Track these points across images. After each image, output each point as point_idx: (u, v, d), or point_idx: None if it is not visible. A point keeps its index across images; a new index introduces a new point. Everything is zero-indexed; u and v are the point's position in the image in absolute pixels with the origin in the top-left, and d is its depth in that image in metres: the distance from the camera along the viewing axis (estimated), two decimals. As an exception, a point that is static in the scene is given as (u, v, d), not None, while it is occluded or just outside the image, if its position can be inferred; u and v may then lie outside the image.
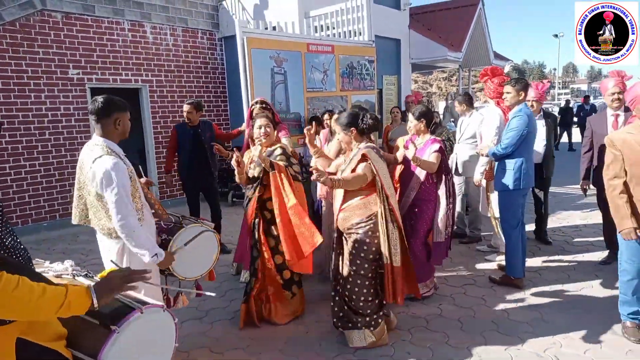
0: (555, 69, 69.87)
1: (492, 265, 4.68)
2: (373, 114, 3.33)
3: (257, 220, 3.60)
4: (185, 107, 5.41)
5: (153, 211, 2.94)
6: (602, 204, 4.42)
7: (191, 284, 3.15)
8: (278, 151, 3.56)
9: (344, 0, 7.45)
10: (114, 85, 7.82)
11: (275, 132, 3.82)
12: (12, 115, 6.68)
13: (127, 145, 9.18)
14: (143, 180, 3.15)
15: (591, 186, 4.64)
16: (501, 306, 3.76)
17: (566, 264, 4.65)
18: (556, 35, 44.70)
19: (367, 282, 3.12)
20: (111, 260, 2.41)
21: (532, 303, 3.80)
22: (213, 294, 2.33)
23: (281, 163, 3.45)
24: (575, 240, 5.42)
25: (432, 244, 3.87)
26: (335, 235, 3.34)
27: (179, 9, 8.50)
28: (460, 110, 5.47)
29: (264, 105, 4.22)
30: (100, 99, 2.64)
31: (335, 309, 3.29)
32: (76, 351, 1.65)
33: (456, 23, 11.46)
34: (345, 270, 3.18)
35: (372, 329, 3.15)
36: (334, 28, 7.32)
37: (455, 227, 5.58)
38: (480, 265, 4.72)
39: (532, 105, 4.81)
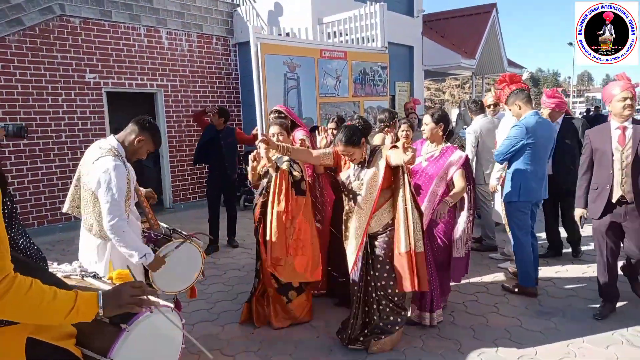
0: (569, 77, 69.30)
1: (505, 274, 4.62)
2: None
3: (260, 224, 3.67)
4: (214, 113, 5.89)
5: (145, 220, 2.99)
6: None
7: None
8: (286, 157, 3.59)
9: (357, 6, 7.50)
10: (130, 89, 7.94)
11: (292, 135, 3.87)
12: (30, 118, 6.81)
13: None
14: (145, 190, 3.23)
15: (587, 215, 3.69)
16: (514, 314, 3.72)
17: (581, 273, 4.59)
18: (571, 44, 44.23)
19: (397, 290, 3.12)
20: (127, 266, 2.41)
21: (545, 312, 3.75)
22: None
23: (285, 167, 3.51)
24: (590, 248, 5.34)
25: (452, 259, 3.58)
26: (366, 240, 3.17)
27: (194, 15, 8.61)
28: (471, 117, 5.57)
29: (280, 115, 4.22)
30: (149, 118, 2.79)
31: (360, 322, 3.23)
32: (86, 349, 1.66)
33: (470, 30, 11.44)
34: (377, 278, 3.15)
35: (397, 327, 3.20)
36: (347, 34, 7.35)
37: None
38: (493, 274, 4.68)
39: (542, 112, 4.72)
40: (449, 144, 3.65)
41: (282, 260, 3.44)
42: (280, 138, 3.59)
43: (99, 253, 2.68)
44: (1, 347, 1.40)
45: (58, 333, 1.60)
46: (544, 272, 4.61)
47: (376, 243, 3.16)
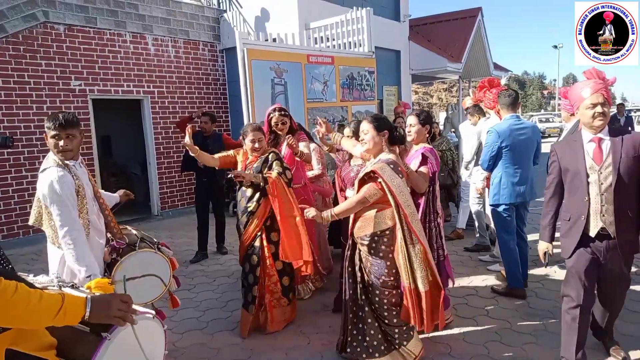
0: (555, 80, 70.25)
1: (495, 276, 4.65)
2: (402, 130, 3.30)
3: (259, 229, 3.61)
4: (204, 118, 5.69)
5: (109, 230, 2.89)
6: None
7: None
8: (272, 157, 3.58)
9: (343, 12, 7.53)
10: (116, 96, 7.86)
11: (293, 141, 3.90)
12: (14, 126, 6.71)
13: (129, 156, 9.26)
14: (121, 192, 3.20)
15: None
16: (504, 317, 3.73)
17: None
18: (555, 47, 44.98)
19: (385, 292, 2.93)
20: (124, 276, 2.34)
21: (535, 314, 3.76)
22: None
23: (276, 169, 3.48)
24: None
25: None
26: (350, 242, 3.09)
27: (180, 21, 8.58)
28: (474, 121, 5.55)
29: (282, 113, 4.20)
30: (62, 115, 2.65)
31: (350, 326, 3.08)
32: None
33: (455, 34, 11.55)
34: (369, 287, 2.98)
35: (405, 343, 2.97)
36: (334, 39, 7.38)
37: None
38: (482, 276, 4.69)
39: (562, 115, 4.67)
40: (426, 145, 3.49)
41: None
42: (257, 146, 3.56)
43: (60, 264, 2.62)
44: None
45: (38, 344, 1.58)
46: (534, 273, 4.63)
47: (362, 253, 2.99)
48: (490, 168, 4.16)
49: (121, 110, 9.27)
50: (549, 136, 28.71)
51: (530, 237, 5.87)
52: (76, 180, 2.61)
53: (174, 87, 8.59)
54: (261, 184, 3.47)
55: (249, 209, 3.58)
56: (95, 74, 7.54)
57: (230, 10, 9.07)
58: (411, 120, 3.56)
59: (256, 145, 3.56)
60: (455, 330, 3.53)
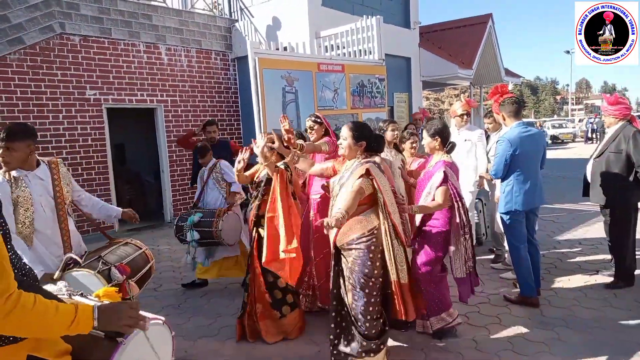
0: (568, 85, 69.56)
1: (508, 284, 4.61)
2: (380, 136, 3.26)
3: (254, 234, 3.68)
4: (211, 127, 5.71)
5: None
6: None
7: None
8: (282, 164, 3.61)
9: (354, 20, 7.58)
10: (130, 105, 7.99)
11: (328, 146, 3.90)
12: (30, 135, 6.84)
13: (143, 164, 9.35)
14: (127, 210, 3.28)
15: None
16: (516, 325, 3.69)
17: (583, 283, 4.56)
18: (568, 52, 44.58)
19: (372, 300, 2.94)
20: (129, 281, 2.37)
21: (548, 322, 3.72)
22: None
23: (282, 166, 3.49)
24: (593, 257, 5.32)
25: (455, 280, 3.52)
26: (333, 252, 3.11)
27: (192, 31, 8.70)
28: (493, 128, 5.45)
29: (313, 119, 4.20)
30: (8, 126, 2.71)
31: (337, 330, 3.09)
32: None
33: (466, 41, 11.54)
34: (347, 288, 3.02)
35: (372, 355, 2.97)
36: (344, 47, 7.42)
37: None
38: (494, 283, 4.66)
39: (605, 121, 4.58)
40: (445, 157, 3.50)
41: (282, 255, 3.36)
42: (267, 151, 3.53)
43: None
44: None
45: (55, 350, 1.61)
46: (547, 281, 4.59)
47: (344, 263, 3.01)
48: (502, 177, 4.13)
49: (135, 119, 9.41)
50: (562, 142, 28.43)
51: (543, 246, 5.83)
52: (16, 190, 2.64)
53: (187, 96, 8.70)
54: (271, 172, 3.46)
55: (251, 205, 3.74)
56: (109, 83, 7.67)
57: (241, 20, 9.19)
58: (423, 133, 3.62)
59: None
60: (468, 338, 3.51)
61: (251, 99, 5.49)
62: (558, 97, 79.93)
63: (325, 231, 2.73)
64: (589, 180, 4.53)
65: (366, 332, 2.95)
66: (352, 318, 3.01)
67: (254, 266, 3.63)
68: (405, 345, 3.46)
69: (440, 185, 3.35)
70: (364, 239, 2.91)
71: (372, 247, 2.91)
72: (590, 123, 27.21)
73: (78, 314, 1.47)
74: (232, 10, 9.48)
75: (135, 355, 1.70)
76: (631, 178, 4.23)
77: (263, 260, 3.36)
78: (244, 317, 3.67)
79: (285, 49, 6.39)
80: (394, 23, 9.79)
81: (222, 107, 9.25)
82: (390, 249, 2.94)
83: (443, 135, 3.53)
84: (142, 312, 1.76)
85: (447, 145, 3.54)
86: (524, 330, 3.61)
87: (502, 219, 4.20)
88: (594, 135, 26.45)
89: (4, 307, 1.33)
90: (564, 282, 4.61)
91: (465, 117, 5.32)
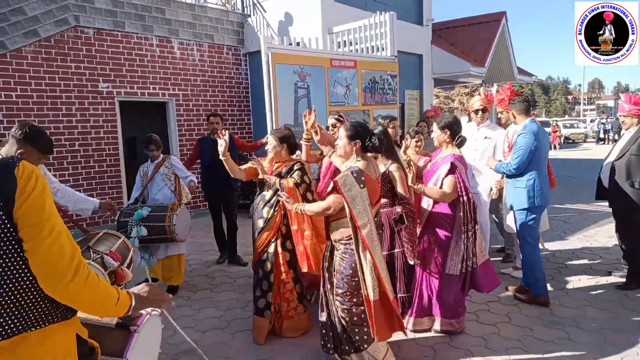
0: (580, 85, 68.86)
1: (514, 281, 4.59)
2: (381, 136, 3.08)
3: (273, 236, 3.60)
4: (214, 119, 5.59)
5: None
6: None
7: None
8: (297, 166, 3.61)
9: (366, 16, 7.55)
10: (142, 98, 8.04)
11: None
12: (44, 127, 6.86)
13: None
14: (105, 202, 3.29)
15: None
16: (526, 324, 3.69)
17: (594, 283, 4.54)
18: (581, 51, 44.10)
19: (353, 300, 2.91)
20: (122, 267, 2.36)
21: (558, 322, 3.71)
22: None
23: (293, 179, 3.50)
24: (604, 258, 5.28)
25: (445, 276, 3.41)
26: (329, 243, 3.13)
27: (205, 25, 8.73)
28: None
29: (339, 118, 4.25)
30: (27, 127, 2.61)
31: (324, 330, 3.12)
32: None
33: (479, 38, 11.44)
34: (334, 285, 3.01)
35: (365, 346, 2.93)
36: (356, 43, 7.41)
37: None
38: (504, 282, 4.63)
39: (623, 122, 4.42)
40: (455, 151, 3.49)
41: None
42: (269, 150, 3.62)
43: None
44: (59, 344, 1.40)
45: (86, 334, 1.64)
46: (557, 281, 4.57)
47: (337, 253, 3.01)
48: (522, 171, 4.01)
49: (146, 113, 9.46)
50: (574, 142, 28.16)
51: (553, 246, 5.81)
52: None
53: (198, 90, 8.73)
54: (278, 188, 3.50)
55: (265, 215, 3.59)
56: (122, 76, 7.72)
57: (254, 15, 9.19)
58: (434, 126, 3.62)
59: (269, 150, 3.62)
60: (477, 336, 3.51)
61: (262, 94, 5.50)
62: (570, 97, 79.09)
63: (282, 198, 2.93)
64: (606, 183, 4.44)
65: (347, 318, 2.92)
66: (338, 315, 2.99)
67: (278, 263, 3.57)
68: (414, 342, 3.47)
69: (448, 174, 3.33)
70: (344, 241, 2.92)
71: (350, 251, 2.88)
72: (602, 124, 26.93)
73: (120, 294, 1.50)
74: (244, 5, 9.49)
75: (145, 343, 1.80)
76: None
77: (305, 269, 3.43)
78: (263, 314, 3.59)
79: (297, 44, 6.40)
80: (406, 20, 9.73)
81: (233, 101, 9.28)
82: (358, 261, 2.80)
83: (453, 129, 3.49)
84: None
85: (456, 139, 3.50)
86: (534, 329, 3.60)
87: (519, 216, 4.07)
88: (606, 136, 26.19)
89: (83, 273, 1.35)
90: (574, 282, 4.58)
91: (483, 112, 5.03)
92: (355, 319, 2.93)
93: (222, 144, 3.48)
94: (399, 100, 7.29)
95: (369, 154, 3.00)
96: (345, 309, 2.93)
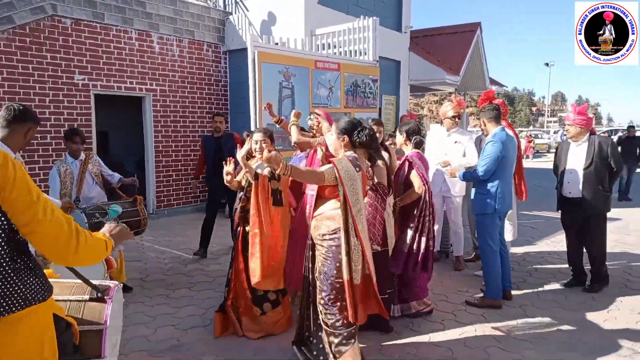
0: (544, 97, 71.36)
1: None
2: (372, 131, 3.08)
3: (238, 229, 3.68)
4: (219, 118, 5.96)
5: None
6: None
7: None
8: (266, 172, 3.55)
9: (348, 20, 7.65)
10: (118, 92, 7.88)
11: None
12: (16, 117, 6.68)
13: (126, 155, 9.26)
14: (60, 202, 3.25)
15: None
16: (502, 324, 3.83)
17: (562, 287, 4.74)
18: (547, 64, 45.78)
19: (336, 295, 2.94)
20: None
21: (532, 322, 3.88)
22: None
23: (266, 173, 3.46)
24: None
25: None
26: (310, 242, 3.18)
27: (186, 21, 8.63)
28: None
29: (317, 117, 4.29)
30: (17, 105, 2.71)
31: (305, 316, 3.21)
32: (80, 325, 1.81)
33: (454, 47, 11.75)
34: (316, 277, 3.06)
35: (338, 355, 2.94)
36: (337, 47, 7.48)
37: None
38: (479, 284, 4.79)
39: (568, 130, 4.60)
40: (413, 151, 4.01)
41: (270, 271, 3.41)
42: (264, 145, 3.57)
43: None
44: (39, 324, 1.45)
45: (62, 311, 1.70)
46: (529, 284, 4.77)
47: (319, 253, 3.06)
48: (487, 177, 4.19)
49: (119, 107, 9.27)
50: (537, 152, 29.24)
51: (522, 250, 6.04)
52: None
53: (177, 86, 8.62)
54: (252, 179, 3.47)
55: (237, 206, 3.71)
56: (99, 69, 7.55)
57: (235, 13, 9.15)
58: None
59: (261, 145, 3.58)
60: (455, 335, 3.63)
61: (241, 92, 5.53)
62: (534, 109, 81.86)
63: (265, 155, 2.77)
64: (574, 191, 4.52)
65: (330, 323, 2.95)
66: (319, 307, 3.02)
67: (237, 261, 3.63)
68: (396, 342, 3.55)
69: (409, 171, 3.83)
70: (327, 237, 2.96)
71: (334, 248, 2.93)
72: (565, 135, 27.97)
73: (105, 239, 1.65)
74: (226, 3, 9.42)
75: (115, 311, 1.97)
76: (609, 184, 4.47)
77: (253, 280, 3.37)
78: (226, 310, 3.64)
79: (277, 44, 6.41)
80: (386, 26, 9.87)
81: (212, 99, 9.20)
82: (346, 247, 2.84)
83: (408, 132, 4.05)
84: (107, 282, 2.06)
85: (412, 140, 4.02)
86: (510, 328, 3.75)
87: (480, 220, 4.26)
88: (568, 147, 27.24)
89: (82, 238, 1.48)
90: (545, 285, 4.78)
91: (456, 119, 5.27)
92: (337, 324, 2.93)
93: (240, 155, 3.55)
94: (378, 104, 7.41)
95: (357, 150, 3.04)
96: (329, 314, 2.93)
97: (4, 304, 1.35)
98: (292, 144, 4.47)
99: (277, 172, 2.85)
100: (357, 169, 2.91)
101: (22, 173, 1.35)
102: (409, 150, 4.05)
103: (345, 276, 2.84)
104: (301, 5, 7.95)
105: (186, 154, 8.91)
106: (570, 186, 4.59)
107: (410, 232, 3.75)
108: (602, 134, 11.22)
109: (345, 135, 3.02)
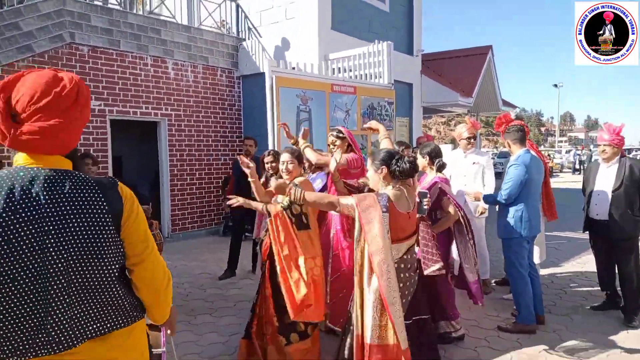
0: (552, 117, 71.41)
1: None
2: (411, 158, 2.87)
3: (267, 259, 3.46)
4: (249, 142, 6.06)
5: None
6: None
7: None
8: (295, 184, 3.35)
9: (361, 44, 7.70)
10: (134, 117, 7.92)
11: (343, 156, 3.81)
12: (33, 143, 6.71)
13: (139, 178, 9.29)
14: None
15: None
16: (538, 351, 3.68)
17: (594, 310, 4.56)
18: (556, 85, 45.95)
19: None
20: None
21: (569, 347, 3.72)
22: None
23: (282, 202, 3.26)
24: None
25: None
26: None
27: (200, 47, 8.74)
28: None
29: (335, 134, 4.15)
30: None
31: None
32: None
33: (466, 70, 11.79)
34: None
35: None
36: (351, 70, 7.51)
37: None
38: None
39: (604, 151, 4.37)
40: (438, 174, 3.85)
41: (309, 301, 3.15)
42: (290, 167, 3.41)
43: None
44: (138, 338, 1.55)
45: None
46: (559, 308, 4.60)
47: None
48: (511, 201, 4.08)
49: (132, 132, 9.34)
50: (551, 171, 29.08)
51: (547, 271, 5.88)
52: None
53: (191, 111, 8.67)
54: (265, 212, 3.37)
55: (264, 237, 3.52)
56: (115, 94, 7.62)
57: (249, 39, 9.26)
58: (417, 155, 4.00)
59: (287, 166, 3.43)
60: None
61: (254, 116, 5.53)
62: (542, 129, 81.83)
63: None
64: (602, 213, 4.36)
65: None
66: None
67: (264, 287, 3.46)
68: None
69: (438, 197, 3.69)
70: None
71: None
72: (578, 155, 27.93)
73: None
74: (239, 30, 9.56)
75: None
76: None
77: (291, 315, 3.11)
78: (252, 338, 3.48)
79: (293, 68, 6.44)
80: (397, 50, 9.95)
81: (225, 123, 9.24)
82: (359, 294, 2.64)
83: (431, 154, 3.87)
84: None
85: (436, 163, 3.83)
86: (546, 355, 3.59)
87: (507, 245, 4.15)
88: (581, 166, 27.17)
89: (170, 279, 1.60)
90: (576, 307, 4.62)
91: (472, 140, 5.25)
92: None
93: (248, 170, 3.41)
94: (395, 126, 7.39)
95: (400, 182, 2.79)
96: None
97: (119, 319, 1.46)
98: (312, 166, 4.38)
99: (289, 199, 2.75)
100: (384, 210, 2.60)
101: (140, 210, 1.52)
102: (433, 173, 3.87)
103: (357, 330, 2.59)
104: (315, 31, 8.03)
105: (201, 178, 8.90)
106: (597, 208, 4.42)
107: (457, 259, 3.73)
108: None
109: (384, 167, 2.78)
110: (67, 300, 1.31)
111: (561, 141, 63.46)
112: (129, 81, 7.80)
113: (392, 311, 2.45)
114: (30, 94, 1.34)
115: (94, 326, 1.39)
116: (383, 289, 2.46)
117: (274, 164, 4.72)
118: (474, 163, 5.21)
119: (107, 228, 1.37)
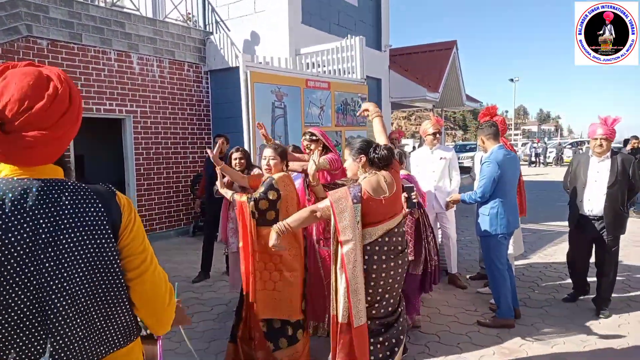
0: (507, 111, 73.60)
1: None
2: (388, 145, 2.89)
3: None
4: (218, 139, 5.55)
5: None
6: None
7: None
8: (267, 180, 3.35)
9: (332, 39, 7.66)
10: (97, 115, 7.58)
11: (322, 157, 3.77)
12: (-12, 143, 6.30)
13: (102, 177, 8.97)
14: None
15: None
16: (518, 344, 3.77)
17: (566, 303, 4.72)
18: (512, 80, 47.38)
19: None
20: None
21: (546, 339, 3.83)
22: None
23: (248, 195, 3.27)
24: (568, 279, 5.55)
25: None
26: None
27: (166, 41, 8.44)
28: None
29: (312, 136, 4.07)
30: None
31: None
32: None
33: (432, 65, 11.96)
34: None
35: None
36: (324, 65, 7.46)
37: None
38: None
39: (600, 145, 4.26)
40: (403, 171, 3.95)
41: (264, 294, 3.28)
42: (271, 163, 3.34)
43: None
44: (135, 357, 1.44)
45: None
46: (533, 300, 4.73)
47: None
48: (486, 199, 4.13)
49: (95, 130, 8.94)
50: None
51: (517, 263, 6.05)
52: None
53: (157, 107, 8.38)
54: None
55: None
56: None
57: (217, 33, 9.03)
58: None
59: (264, 163, 3.36)
60: (431, 333, 3.54)
61: (223, 112, 5.40)
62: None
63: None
64: (596, 209, 4.31)
65: None
66: None
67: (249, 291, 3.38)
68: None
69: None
70: None
71: None
72: (534, 148, 28.97)
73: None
74: (206, 23, 9.30)
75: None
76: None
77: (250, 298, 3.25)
78: (237, 342, 3.42)
79: (267, 63, 6.32)
80: (366, 45, 9.97)
81: (194, 119, 8.99)
82: (334, 281, 2.77)
83: (365, 149, 3.85)
84: None
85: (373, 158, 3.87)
86: (526, 348, 3.68)
87: (485, 242, 4.22)
88: (537, 159, 28.19)
89: (171, 293, 1.46)
90: (550, 299, 4.76)
91: (437, 135, 5.32)
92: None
93: (209, 153, 3.44)
94: (367, 123, 7.39)
95: (379, 170, 2.80)
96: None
97: (120, 339, 1.36)
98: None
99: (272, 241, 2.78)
100: (355, 201, 2.64)
101: (139, 220, 1.40)
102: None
103: (333, 311, 2.73)
104: (285, 25, 7.92)
105: (168, 176, 8.64)
106: (591, 204, 4.34)
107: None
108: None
109: (362, 155, 2.81)
110: (69, 325, 1.21)
111: (516, 134, 65.71)
112: (92, 77, 7.44)
113: (352, 297, 2.64)
114: (18, 98, 1.16)
115: (97, 350, 1.29)
116: (348, 276, 2.65)
117: (242, 161, 4.60)
118: (441, 158, 5.31)
119: (109, 241, 1.28)
